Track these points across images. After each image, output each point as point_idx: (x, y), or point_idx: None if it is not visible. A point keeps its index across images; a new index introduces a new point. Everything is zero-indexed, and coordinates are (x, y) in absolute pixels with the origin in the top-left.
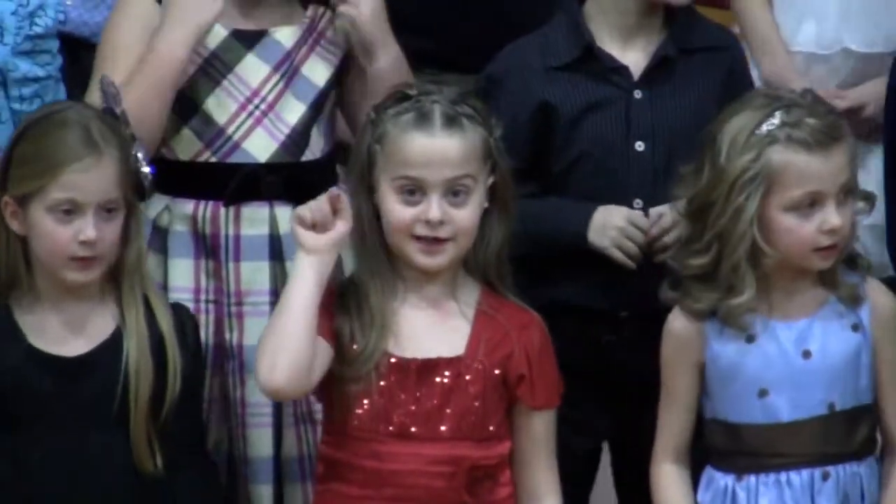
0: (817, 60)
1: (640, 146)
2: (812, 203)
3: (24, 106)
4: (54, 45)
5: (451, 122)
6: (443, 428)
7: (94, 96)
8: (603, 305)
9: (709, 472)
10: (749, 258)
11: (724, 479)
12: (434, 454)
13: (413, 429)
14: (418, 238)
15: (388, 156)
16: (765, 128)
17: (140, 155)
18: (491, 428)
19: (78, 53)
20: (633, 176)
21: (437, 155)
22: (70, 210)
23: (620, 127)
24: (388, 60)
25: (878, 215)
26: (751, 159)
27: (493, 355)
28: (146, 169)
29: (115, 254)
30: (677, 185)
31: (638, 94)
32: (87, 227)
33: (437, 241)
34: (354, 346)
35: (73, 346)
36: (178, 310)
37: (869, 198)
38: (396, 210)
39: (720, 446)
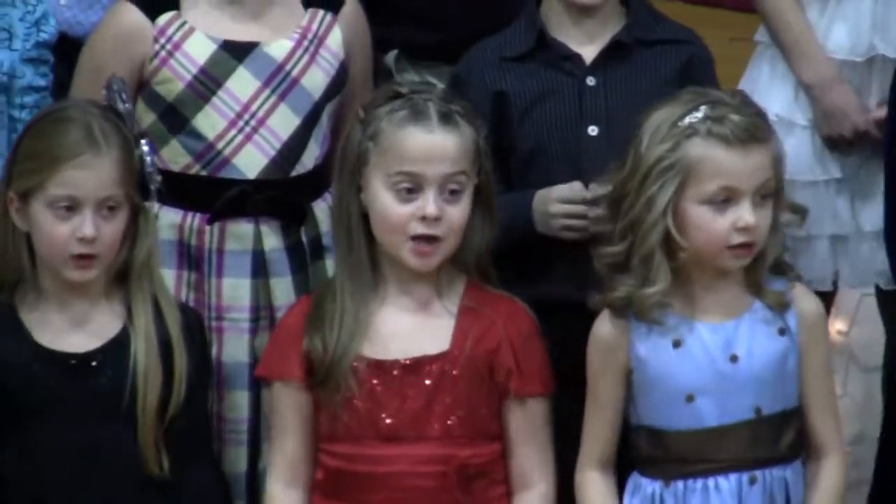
0: (847, 67)
1: (593, 130)
2: (726, 199)
3: (23, 114)
4: (51, 57)
5: (447, 118)
6: (434, 426)
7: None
8: (573, 294)
9: (635, 479)
10: (664, 250)
11: (651, 486)
12: (423, 454)
13: (402, 430)
14: (413, 238)
15: (383, 152)
16: (687, 120)
17: (147, 157)
18: (482, 424)
19: (71, 54)
20: (588, 160)
21: (437, 150)
22: (69, 207)
23: (573, 112)
24: None
25: None
26: (668, 149)
27: (479, 348)
28: (152, 169)
29: (118, 253)
30: (603, 180)
31: (591, 81)
32: (85, 225)
33: (432, 239)
34: (327, 354)
35: (77, 342)
36: (186, 312)
37: (798, 210)
38: (392, 207)
39: (646, 453)
